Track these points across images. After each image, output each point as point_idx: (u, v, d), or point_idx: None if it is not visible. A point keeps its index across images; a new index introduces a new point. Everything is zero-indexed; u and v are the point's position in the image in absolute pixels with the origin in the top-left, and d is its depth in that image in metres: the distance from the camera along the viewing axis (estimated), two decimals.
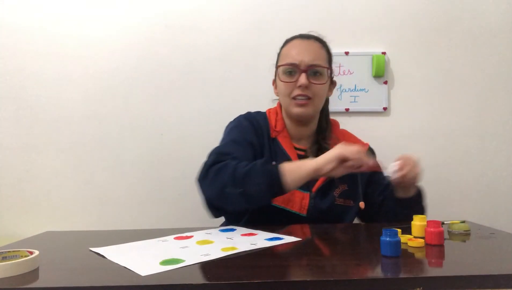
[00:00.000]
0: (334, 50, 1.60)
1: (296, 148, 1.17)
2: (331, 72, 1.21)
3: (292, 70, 1.13)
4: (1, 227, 1.56)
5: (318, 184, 1.11)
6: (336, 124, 1.29)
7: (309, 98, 1.12)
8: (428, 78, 1.63)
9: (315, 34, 1.21)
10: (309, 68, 1.11)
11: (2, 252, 0.65)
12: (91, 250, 0.76)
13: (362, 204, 1.12)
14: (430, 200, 1.65)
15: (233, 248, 0.74)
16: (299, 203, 1.07)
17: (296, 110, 1.13)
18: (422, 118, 1.63)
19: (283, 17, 1.60)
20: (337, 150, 0.92)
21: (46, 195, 1.57)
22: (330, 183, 1.13)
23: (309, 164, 0.93)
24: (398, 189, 1.10)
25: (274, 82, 1.23)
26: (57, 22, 1.58)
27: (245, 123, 1.16)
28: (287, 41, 1.21)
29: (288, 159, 1.10)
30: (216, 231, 0.94)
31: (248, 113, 1.22)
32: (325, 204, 1.10)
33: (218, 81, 1.60)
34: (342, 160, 0.91)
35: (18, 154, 1.57)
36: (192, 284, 0.54)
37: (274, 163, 0.97)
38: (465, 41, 1.63)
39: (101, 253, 0.73)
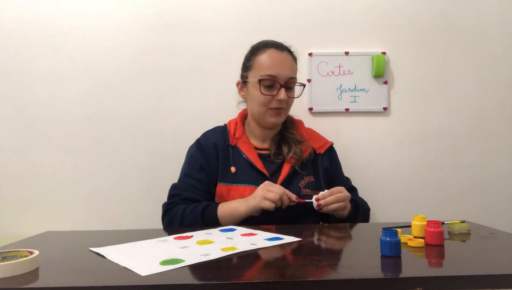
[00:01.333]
0: (334, 50, 1.61)
1: (258, 148, 1.27)
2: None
3: (272, 83, 1.19)
4: (1, 227, 1.56)
5: (282, 176, 1.19)
6: (300, 123, 1.38)
7: (283, 109, 1.22)
8: (428, 78, 1.63)
9: (283, 43, 1.27)
10: (287, 83, 1.20)
11: (2, 252, 0.65)
12: (91, 250, 0.76)
13: (316, 205, 1.17)
14: (430, 200, 1.66)
15: (233, 248, 0.74)
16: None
17: (272, 119, 1.22)
18: (422, 118, 1.63)
19: (283, 17, 1.60)
20: (258, 202, 1.05)
21: (46, 195, 1.57)
22: (295, 174, 1.21)
23: (242, 210, 1.07)
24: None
25: (240, 84, 1.31)
26: (57, 22, 1.58)
27: (196, 153, 1.27)
28: (260, 49, 1.25)
29: (248, 161, 1.21)
30: (216, 231, 0.94)
31: (200, 138, 1.31)
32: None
33: (218, 81, 1.60)
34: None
35: (18, 154, 1.57)
36: (192, 284, 0.54)
37: (233, 169, 1.20)
38: (465, 41, 1.63)
39: (101, 253, 0.73)
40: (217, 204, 1.13)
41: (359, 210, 1.21)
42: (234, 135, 1.27)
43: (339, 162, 1.36)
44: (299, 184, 1.19)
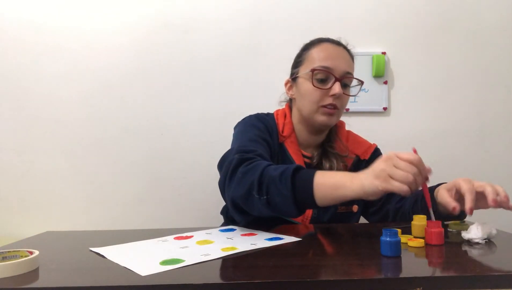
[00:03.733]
0: None
1: (303, 155, 1.12)
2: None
3: (326, 76, 1.06)
4: (1, 227, 1.56)
5: None
6: (341, 126, 1.23)
7: (336, 108, 1.07)
8: (428, 78, 1.63)
9: (343, 42, 1.16)
10: (343, 77, 1.06)
11: (2, 252, 0.65)
12: (91, 250, 0.76)
13: (355, 208, 1.09)
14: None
15: (233, 248, 0.74)
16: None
17: (323, 118, 1.07)
18: (422, 118, 1.63)
19: (283, 17, 1.60)
20: (381, 183, 0.75)
21: (46, 195, 1.57)
22: None
23: (351, 189, 0.78)
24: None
25: (289, 82, 1.17)
26: (57, 22, 1.58)
27: (259, 123, 1.10)
28: (313, 43, 1.14)
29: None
30: (216, 231, 0.94)
31: (258, 114, 1.16)
32: (327, 215, 1.07)
33: (218, 81, 1.60)
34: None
35: (18, 154, 1.57)
36: (192, 284, 0.54)
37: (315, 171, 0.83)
38: (465, 41, 1.63)
39: (101, 253, 0.73)
40: (315, 170, 0.83)
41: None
42: (282, 132, 1.12)
43: None
44: None
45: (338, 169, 1.08)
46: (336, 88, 1.04)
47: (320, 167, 1.10)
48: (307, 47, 1.15)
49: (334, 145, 1.14)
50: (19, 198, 1.57)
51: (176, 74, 1.60)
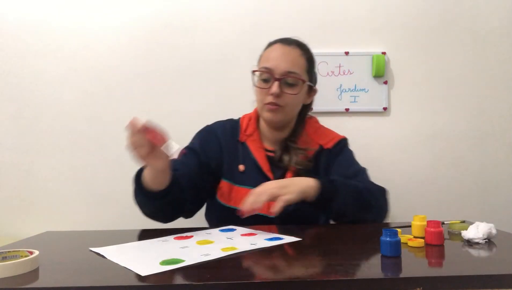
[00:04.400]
0: (334, 50, 1.61)
1: (267, 150, 1.19)
2: (313, 79, 1.22)
3: (267, 77, 1.13)
4: (1, 227, 1.56)
5: None
6: (310, 121, 1.27)
7: (279, 106, 1.12)
8: (428, 78, 1.63)
9: (298, 39, 1.21)
10: (283, 77, 1.12)
11: (2, 252, 0.65)
12: (91, 250, 0.76)
13: None
14: (430, 200, 1.66)
15: (233, 248, 0.74)
16: (267, 205, 1.02)
17: (267, 115, 1.15)
18: (422, 118, 1.63)
19: (283, 17, 1.60)
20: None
21: (46, 195, 1.57)
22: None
23: (151, 169, 0.92)
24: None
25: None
26: (57, 22, 1.58)
27: (201, 134, 1.23)
28: (269, 44, 1.21)
29: (254, 161, 1.15)
30: (216, 231, 0.94)
31: (211, 125, 1.26)
32: (292, 205, 1.04)
33: (218, 81, 1.60)
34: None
35: (18, 154, 1.57)
36: (192, 284, 0.54)
37: None
38: (465, 41, 1.63)
39: (101, 253, 0.73)
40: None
41: (347, 189, 1.01)
42: (245, 131, 1.21)
43: (347, 155, 1.22)
44: None
45: (299, 162, 1.14)
46: (273, 87, 1.11)
47: (282, 161, 1.16)
48: (264, 49, 1.22)
49: (297, 140, 1.19)
50: (19, 198, 1.57)
51: (176, 74, 1.60)
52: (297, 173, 1.14)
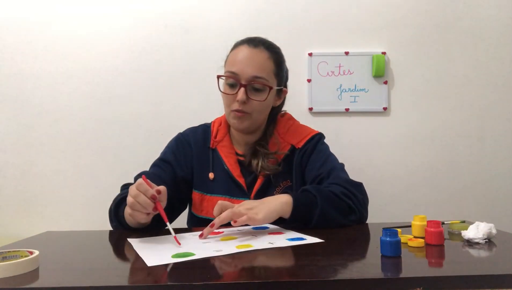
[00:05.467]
0: (334, 50, 1.61)
1: (239, 154, 1.15)
2: (282, 81, 1.16)
3: (233, 82, 1.07)
4: (1, 227, 1.56)
5: (256, 188, 1.09)
6: (282, 119, 1.21)
7: (246, 113, 1.07)
8: (428, 78, 1.63)
9: (265, 40, 1.15)
10: (249, 83, 1.06)
11: (2, 252, 0.65)
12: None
13: (287, 182, 1.09)
14: (430, 200, 1.66)
15: (248, 246, 0.74)
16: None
17: (233, 122, 1.09)
18: (422, 118, 1.63)
19: (283, 17, 1.60)
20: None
21: (46, 195, 1.57)
22: (269, 182, 1.10)
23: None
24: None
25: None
26: (57, 22, 1.58)
27: (171, 144, 1.19)
28: (235, 45, 1.15)
29: (224, 167, 1.10)
30: (248, 228, 0.93)
31: (179, 133, 1.21)
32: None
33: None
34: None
35: (18, 154, 1.57)
36: (192, 284, 0.54)
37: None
38: (465, 41, 1.63)
39: (132, 243, 0.78)
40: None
41: (325, 197, 0.95)
42: (215, 137, 1.16)
43: (321, 152, 1.14)
44: (274, 193, 1.08)
45: (267, 166, 1.09)
46: (239, 94, 1.05)
47: (250, 165, 1.11)
48: (231, 49, 1.15)
49: (266, 144, 1.14)
50: (19, 198, 1.57)
51: (176, 74, 1.60)
52: (266, 177, 1.10)
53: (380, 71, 1.59)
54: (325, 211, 0.94)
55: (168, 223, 0.82)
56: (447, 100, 1.64)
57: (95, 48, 1.59)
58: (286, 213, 0.92)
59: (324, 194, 0.96)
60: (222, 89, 1.11)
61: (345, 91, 1.61)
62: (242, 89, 1.05)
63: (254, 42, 1.11)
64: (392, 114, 1.63)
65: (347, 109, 1.61)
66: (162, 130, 1.59)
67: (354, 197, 1.00)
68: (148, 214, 0.83)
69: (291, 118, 1.23)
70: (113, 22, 1.59)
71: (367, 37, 1.62)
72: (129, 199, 0.83)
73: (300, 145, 1.14)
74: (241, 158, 1.14)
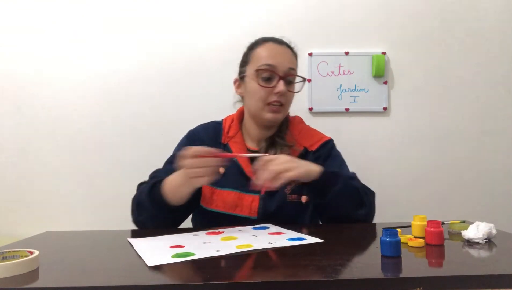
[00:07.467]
0: (334, 50, 1.61)
1: (250, 150, 1.18)
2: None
3: (271, 75, 1.11)
4: (1, 227, 1.56)
5: None
6: (296, 121, 1.26)
7: (282, 105, 1.13)
8: (428, 78, 1.63)
9: (286, 40, 1.20)
10: (287, 75, 1.12)
11: (2, 252, 0.65)
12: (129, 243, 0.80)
13: (304, 198, 1.10)
14: (430, 200, 1.66)
15: (248, 246, 0.74)
16: (249, 206, 1.06)
17: (269, 116, 1.13)
18: (422, 118, 1.63)
19: (283, 17, 1.60)
20: (188, 184, 0.93)
21: (46, 195, 1.57)
22: None
23: (185, 190, 0.96)
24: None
25: (238, 81, 1.23)
26: (58, 22, 1.58)
27: (183, 141, 1.22)
28: (258, 43, 1.19)
29: (236, 164, 1.12)
30: (248, 228, 0.93)
31: (190, 130, 1.25)
32: (274, 204, 1.07)
33: (218, 81, 1.60)
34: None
35: (18, 154, 1.57)
36: (192, 284, 0.54)
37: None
38: (465, 41, 1.63)
39: (133, 243, 0.78)
40: (164, 179, 0.99)
41: (346, 182, 1.02)
42: (227, 132, 1.19)
43: (337, 158, 1.21)
44: (285, 190, 1.09)
45: None
46: (280, 86, 1.10)
47: None
48: (252, 47, 1.19)
49: (285, 137, 1.19)
50: (19, 198, 1.57)
51: (177, 74, 1.60)
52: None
53: (380, 71, 1.59)
54: (342, 194, 1.00)
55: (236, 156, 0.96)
56: (447, 100, 1.64)
57: (95, 48, 1.59)
58: (310, 179, 0.98)
59: (347, 180, 1.04)
60: (252, 85, 1.14)
61: (345, 91, 1.61)
62: (282, 81, 1.10)
63: (278, 40, 1.18)
64: (392, 114, 1.63)
65: (347, 109, 1.61)
66: (162, 130, 1.59)
67: (369, 197, 1.07)
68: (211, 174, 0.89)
69: (302, 121, 1.28)
70: (113, 22, 1.59)
71: (367, 37, 1.62)
72: (186, 170, 0.88)
73: (314, 148, 1.18)
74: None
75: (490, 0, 1.63)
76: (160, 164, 1.59)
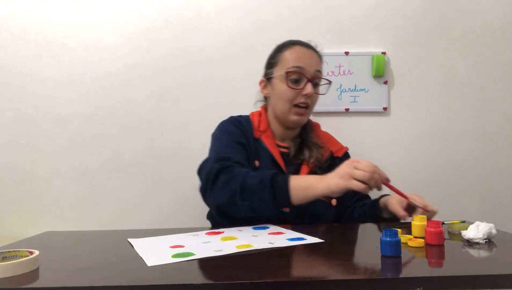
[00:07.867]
0: (334, 50, 1.61)
1: (279, 146, 1.21)
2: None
3: (299, 77, 1.16)
4: (1, 227, 1.56)
5: None
6: (317, 126, 1.33)
7: (307, 107, 1.18)
8: (428, 78, 1.63)
9: (313, 44, 1.25)
10: (314, 77, 1.17)
11: (2, 252, 0.65)
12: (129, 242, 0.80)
13: (334, 201, 1.15)
14: (430, 200, 1.65)
15: (248, 246, 0.74)
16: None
17: (295, 118, 1.17)
18: (422, 118, 1.63)
19: (283, 17, 1.60)
20: (345, 182, 0.90)
21: (46, 195, 1.57)
22: (314, 174, 1.15)
23: (320, 189, 0.93)
24: (386, 211, 1.09)
25: (264, 82, 1.26)
26: (58, 23, 1.58)
27: (232, 128, 1.18)
28: (286, 45, 1.23)
29: (271, 157, 1.15)
30: (248, 228, 0.94)
31: (231, 117, 1.25)
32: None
33: (218, 81, 1.60)
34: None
35: (18, 154, 1.57)
36: (192, 284, 0.54)
37: (290, 176, 0.96)
38: (465, 41, 1.63)
39: (132, 243, 0.78)
40: (288, 175, 0.97)
41: None
42: (258, 127, 1.21)
43: None
44: None
45: (317, 157, 1.19)
46: (308, 88, 1.15)
47: (298, 156, 1.20)
48: (280, 49, 1.23)
49: (312, 136, 1.25)
50: (19, 198, 1.57)
51: (176, 73, 1.60)
52: (311, 170, 1.17)
53: (380, 71, 1.58)
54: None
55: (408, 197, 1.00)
56: (447, 100, 1.63)
57: (94, 48, 1.58)
58: None
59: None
60: (280, 87, 1.17)
61: (345, 91, 1.61)
62: (310, 83, 1.15)
63: (305, 44, 1.22)
64: (392, 114, 1.63)
65: (347, 109, 1.61)
66: (162, 130, 1.59)
67: None
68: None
69: (319, 126, 1.34)
70: (113, 22, 1.58)
71: (367, 37, 1.62)
72: (361, 173, 0.89)
73: (340, 154, 1.26)
74: (282, 150, 1.20)
75: (490, 0, 1.63)
76: (160, 164, 1.60)
